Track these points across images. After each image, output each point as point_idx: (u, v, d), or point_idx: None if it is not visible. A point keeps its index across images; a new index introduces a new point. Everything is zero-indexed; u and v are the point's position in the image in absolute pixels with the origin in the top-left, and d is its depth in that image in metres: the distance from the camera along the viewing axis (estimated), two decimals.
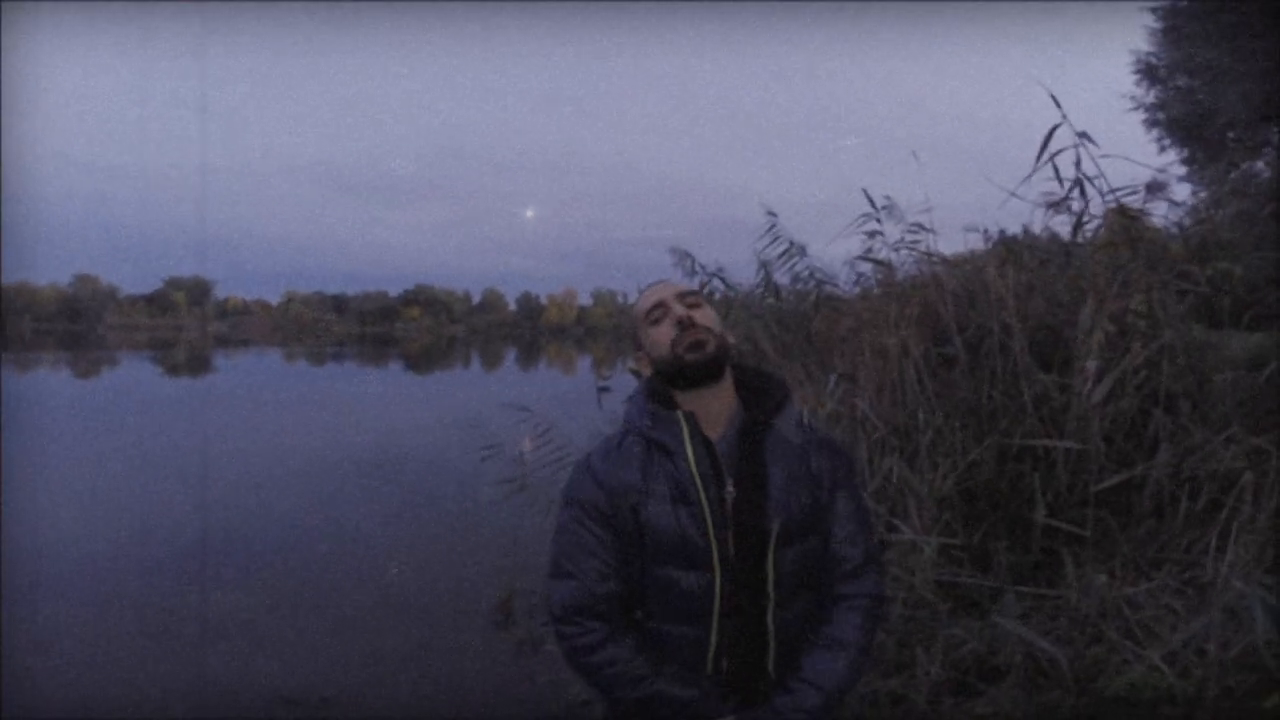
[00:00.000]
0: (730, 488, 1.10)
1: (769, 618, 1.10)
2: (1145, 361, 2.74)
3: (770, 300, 4.59)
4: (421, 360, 38.37)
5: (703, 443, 1.11)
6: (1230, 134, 8.03)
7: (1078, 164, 3.00)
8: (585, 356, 40.74)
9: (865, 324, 3.38)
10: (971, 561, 2.54)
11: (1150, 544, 2.38)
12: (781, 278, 4.39)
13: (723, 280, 3.83)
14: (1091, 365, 2.56)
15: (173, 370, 27.27)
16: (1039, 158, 2.93)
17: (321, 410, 14.79)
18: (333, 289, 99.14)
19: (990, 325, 3.09)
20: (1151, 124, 9.25)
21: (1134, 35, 9.06)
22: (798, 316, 4.40)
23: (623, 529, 1.10)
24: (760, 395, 1.17)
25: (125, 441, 9.80)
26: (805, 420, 1.20)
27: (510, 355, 44.53)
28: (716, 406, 1.14)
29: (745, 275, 4.46)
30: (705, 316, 1.14)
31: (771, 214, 3.88)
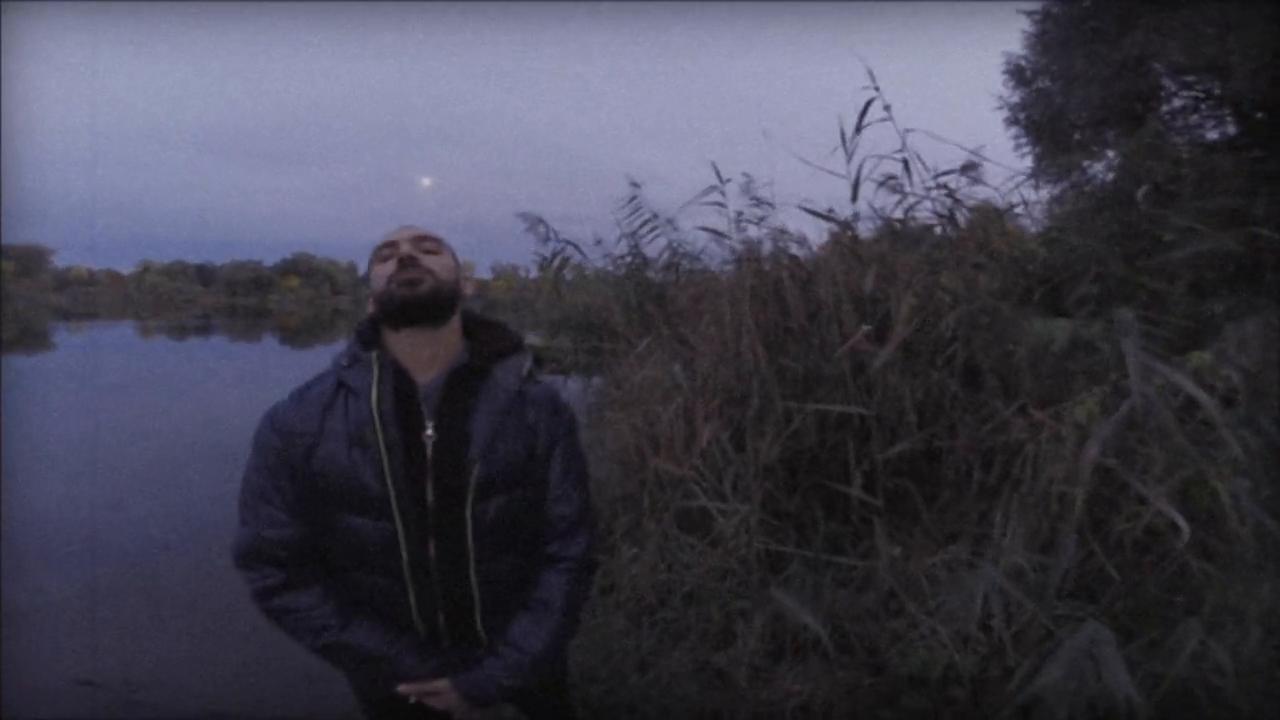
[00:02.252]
0: (430, 431, 1.06)
1: (470, 574, 1.07)
2: (954, 336, 2.88)
3: (635, 272, 4.55)
4: (300, 333, 35.83)
5: (399, 384, 1.07)
6: (1075, 136, 8.79)
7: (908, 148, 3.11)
8: None
9: (706, 294, 3.39)
10: (795, 531, 2.61)
11: (948, 515, 2.51)
12: (653, 252, 4.36)
13: (576, 248, 3.74)
14: (865, 329, 2.66)
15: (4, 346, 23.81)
16: (856, 131, 2.97)
17: (180, 389, 13.46)
18: (197, 259, 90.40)
19: (824, 298, 3.16)
20: (1011, 123, 9.93)
21: (1012, 39, 9.73)
22: (657, 288, 4.38)
23: (298, 474, 1.07)
24: (486, 344, 1.15)
25: None
26: (528, 372, 1.16)
27: None
28: (431, 351, 1.10)
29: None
30: (436, 262, 1.10)
31: (635, 184, 3.81)
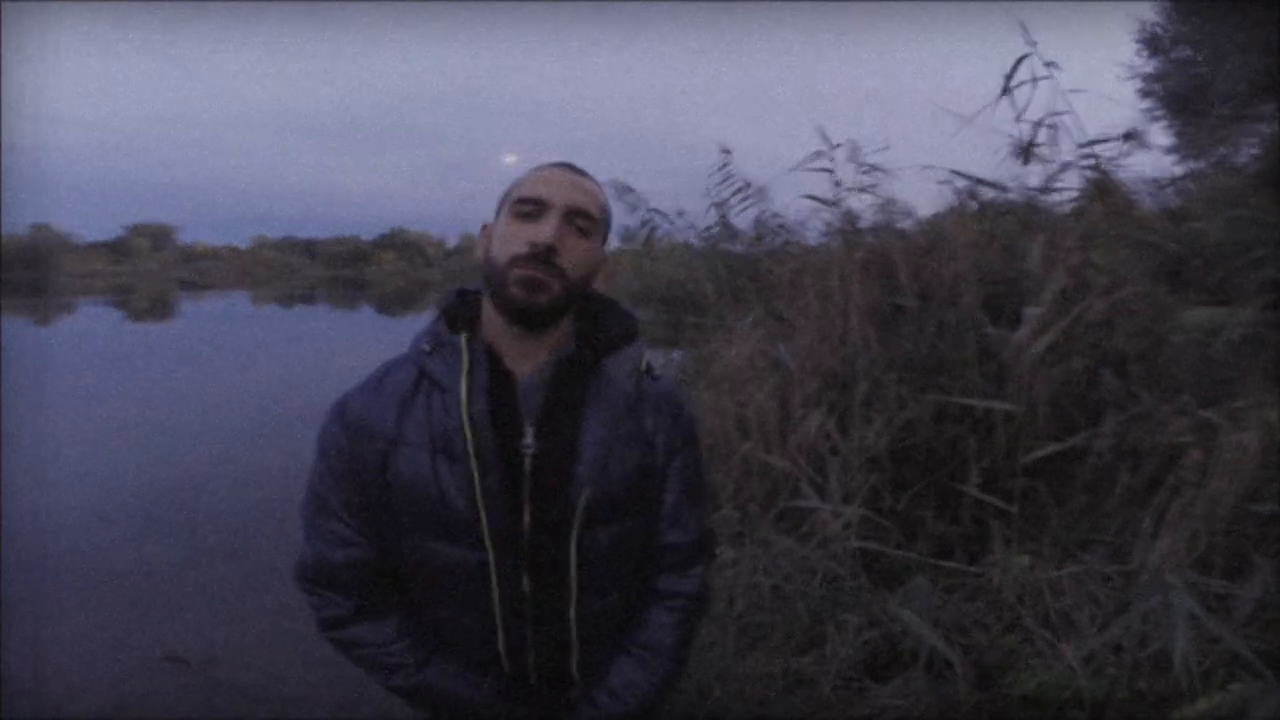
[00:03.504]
0: (529, 440, 0.85)
1: (570, 612, 0.88)
2: (1101, 320, 2.54)
3: (724, 244, 4.33)
4: (394, 303, 37.55)
5: (494, 378, 0.85)
6: (1224, 108, 7.92)
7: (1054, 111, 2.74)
8: None
9: (809, 268, 3.13)
10: (900, 530, 2.38)
11: (1082, 522, 2.21)
12: (742, 223, 4.12)
13: (665, 217, 3.55)
14: (1031, 313, 2.33)
15: (135, 315, 26.24)
16: (1004, 90, 2.64)
17: (288, 353, 14.34)
18: (304, 235, 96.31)
19: (944, 275, 2.86)
20: (1146, 94, 9.06)
21: (1140, 6, 8.85)
22: (749, 261, 4.15)
23: (370, 485, 0.87)
24: (597, 331, 0.91)
25: (87, 389, 9.40)
26: (646, 367, 0.94)
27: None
28: (535, 339, 0.87)
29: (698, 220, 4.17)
30: (577, 253, 0.84)
31: (726, 151, 3.56)
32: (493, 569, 0.84)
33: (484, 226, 0.91)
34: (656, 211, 3.54)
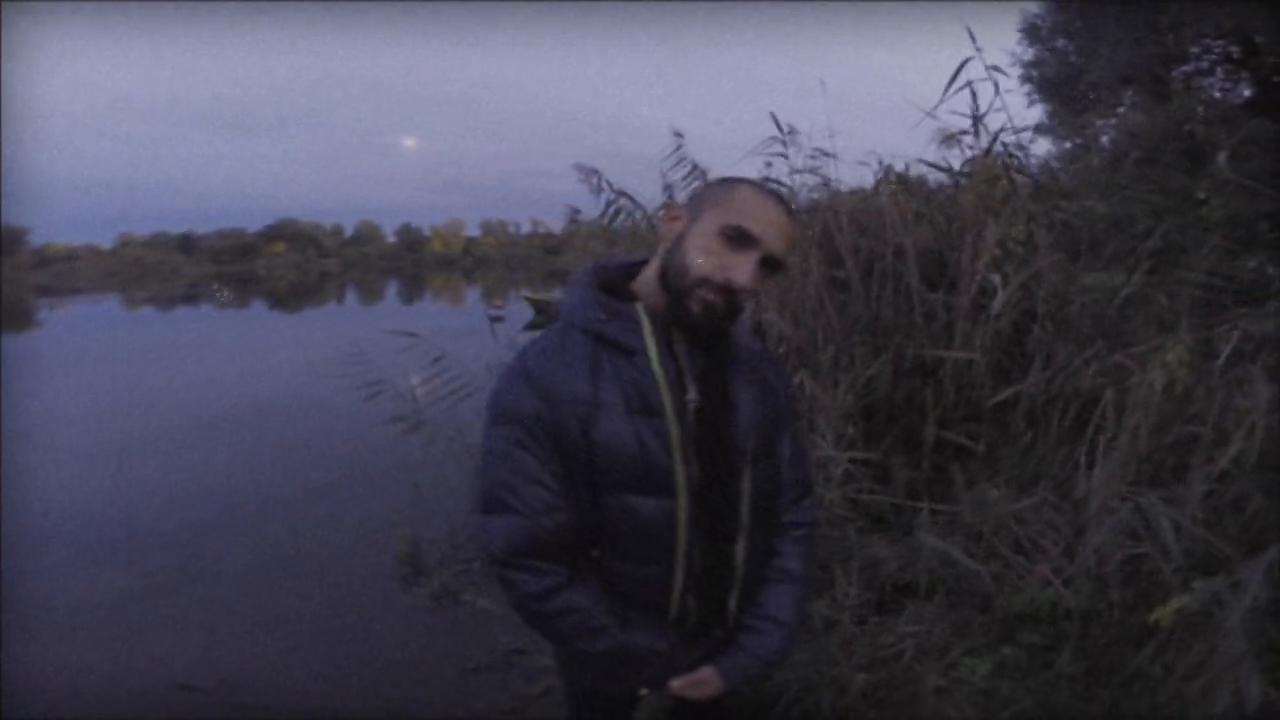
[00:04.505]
0: (692, 394, 0.93)
1: (737, 550, 0.98)
2: (1019, 285, 2.91)
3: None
4: (289, 298, 35.47)
5: (664, 342, 0.93)
6: (1092, 94, 8.78)
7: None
8: (475, 288, 39.26)
9: None
10: (872, 478, 2.67)
11: (1028, 460, 2.58)
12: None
13: (631, 199, 3.65)
14: (996, 279, 2.67)
15: None
16: (948, 88, 2.95)
17: (174, 360, 13.30)
18: (179, 229, 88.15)
19: (882, 250, 3.17)
20: (1025, 80, 9.91)
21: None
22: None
23: (570, 449, 0.90)
24: None
25: None
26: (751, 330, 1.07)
27: (391, 289, 42.03)
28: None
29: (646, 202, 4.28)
30: (755, 287, 0.92)
31: (678, 134, 3.70)
32: (682, 515, 0.91)
33: (672, 206, 0.98)
34: (622, 194, 3.64)
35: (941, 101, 2.91)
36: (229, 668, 2.74)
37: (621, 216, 3.68)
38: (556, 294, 21.00)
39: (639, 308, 0.94)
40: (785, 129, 3.34)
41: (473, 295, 33.95)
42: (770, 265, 0.92)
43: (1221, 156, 3.73)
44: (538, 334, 1.00)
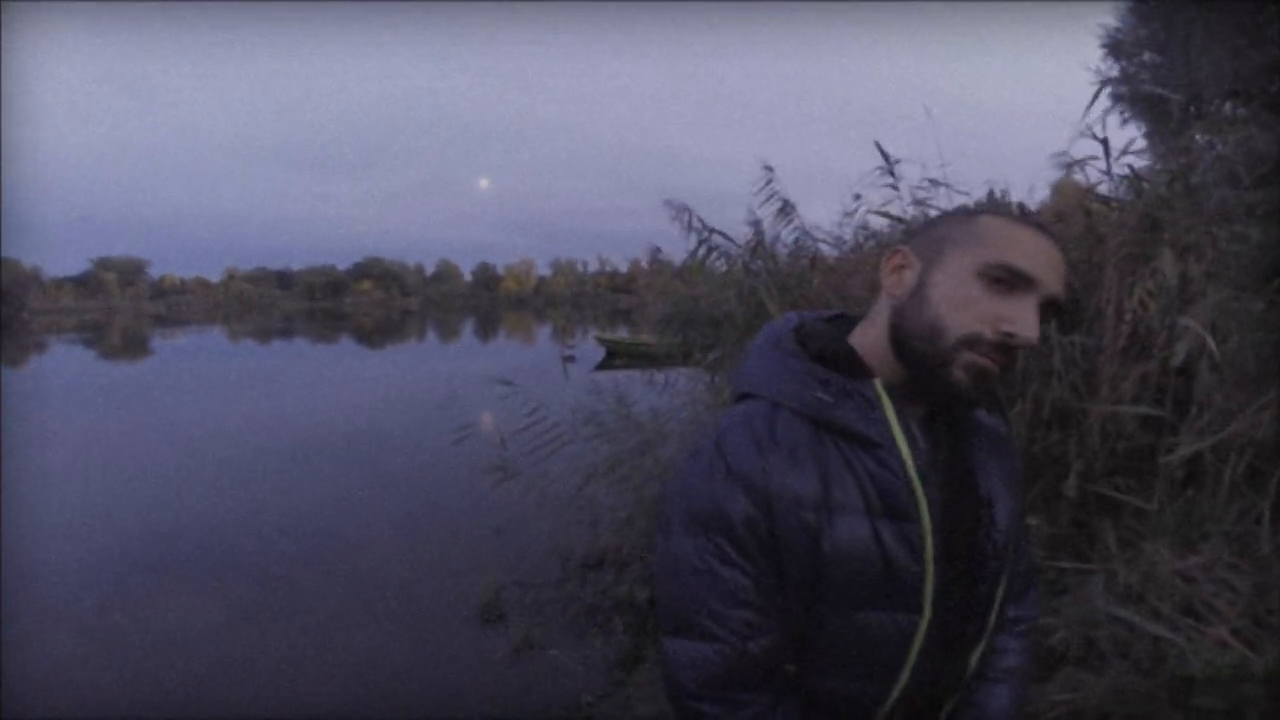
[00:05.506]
0: (934, 492, 0.75)
1: (970, 660, 0.82)
2: (1168, 325, 2.61)
3: (762, 260, 4.36)
4: (374, 334, 37.24)
5: (905, 427, 0.75)
6: (1192, 108, 8.25)
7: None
8: (545, 326, 40.16)
9: (878, 285, 3.18)
10: None
11: (1187, 515, 2.26)
12: (771, 239, 4.15)
13: (725, 237, 3.55)
14: (1188, 323, 2.38)
15: (107, 353, 25.60)
16: (1086, 112, 2.82)
17: (270, 390, 14.07)
18: (277, 265, 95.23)
19: None
20: (1115, 98, 9.39)
21: (1105, 12, 9.25)
22: (795, 276, 4.18)
23: (790, 561, 0.73)
24: None
25: (64, 430, 9.09)
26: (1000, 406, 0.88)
27: (467, 327, 43.51)
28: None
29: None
30: (1037, 336, 0.70)
31: (768, 168, 3.61)
32: (922, 631, 0.76)
33: (898, 251, 0.79)
34: (716, 232, 3.56)
35: (1081, 128, 2.70)
36: (308, 706, 2.70)
37: (714, 255, 3.58)
38: (623, 333, 21.20)
39: (878, 386, 0.76)
40: (888, 158, 3.18)
41: (543, 333, 34.70)
42: (1050, 311, 0.73)
43: None
44: (731, 411, 0.81)
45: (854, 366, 0.77)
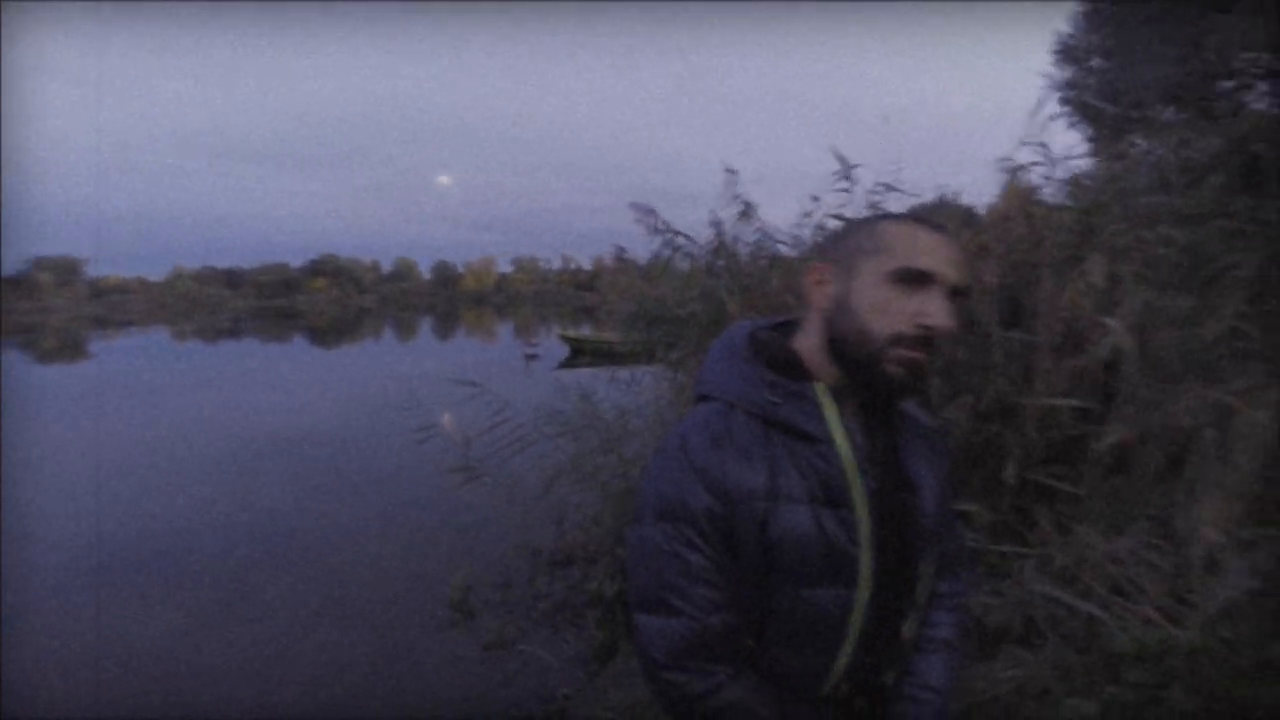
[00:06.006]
0: (870, 480, 0.87)
1: (904, 630, 0.93)
2: (1098, 323, 2.80)
3: (724, 260, 4.45)
4: (328, 333, 36.35)
5: (844, 426, 0.86)
6: (1134, 114, 8.60)
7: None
8: (506, 324, 39.81)
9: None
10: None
11: (1116, 500, 2.44)
12: (732, 240, 4.25)
13: (688, 239, 3.63)
14: (1112, 323, 2.55)
15: (43, 357, 24.38)
16: (1030, 121, 2.96)
17: (221, 392, 13.63)
18: (225, 263, 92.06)
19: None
20: (1063, 102, 9.68)
21: (1060, 19, 9.54)
22: (754, 277, 4.29)
23: (744, 545, 0.84)
24: None
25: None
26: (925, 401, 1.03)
27: (426, 325, 42.79)
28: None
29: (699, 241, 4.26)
30: (952, 330, 0.82)
31: (731, 171, 3.71)
32: (860, 603, 0.86)
33: (815, 267, 0.89)
34: (679, 234, 3.64)
35: (1027, 137, 2.88)
36: (277, 709, 2.69)
37: (677, 255, 3.66)
38: (587, 330, 21.23)
39: (819, 388, 0.87)
40: (845, 163, 3.31)
41: (505, 331, 34.41)
42: (958, 296, 0.84)
43: None
44: (693, 411, 0.92)
45: (798, 370, 0.88)
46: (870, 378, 0.83)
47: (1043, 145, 3.04)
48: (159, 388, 14.19)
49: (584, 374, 6.83)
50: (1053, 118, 3.00)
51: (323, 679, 2.92)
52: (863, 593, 0.86)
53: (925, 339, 0.81)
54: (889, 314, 0.81)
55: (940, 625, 1.01)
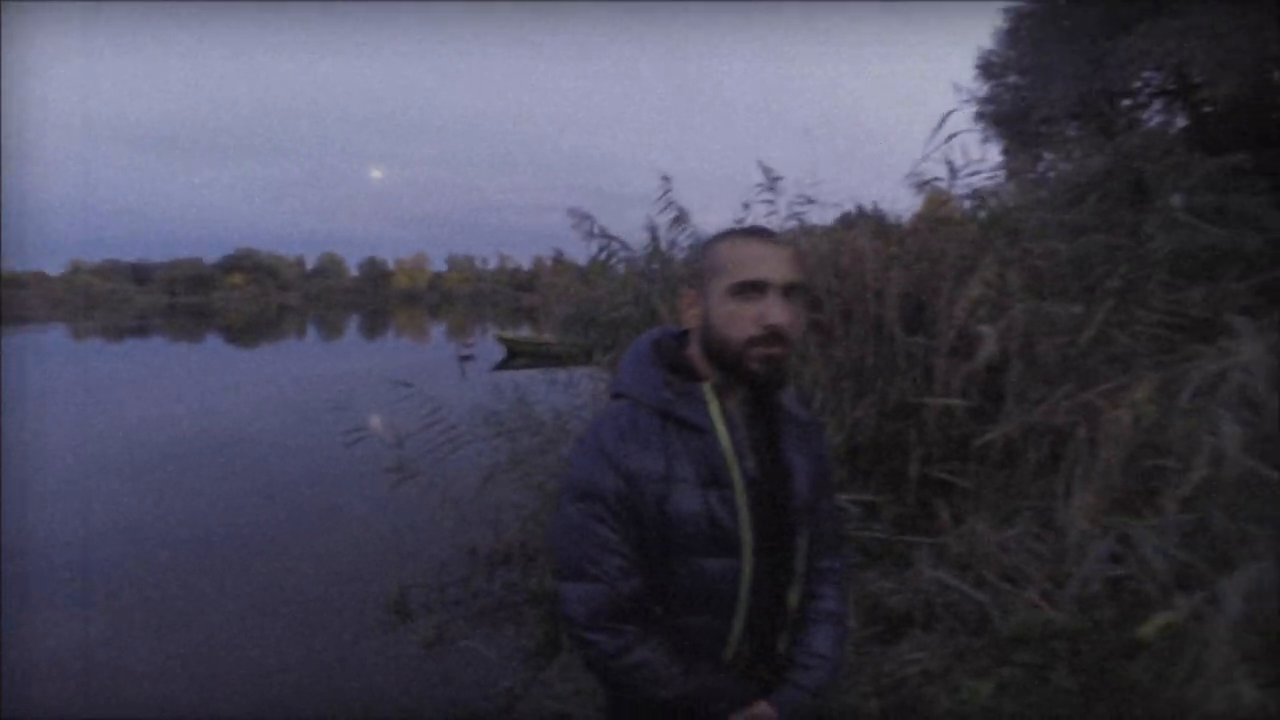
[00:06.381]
0: (752, 465, 1.03)
1: (789, 598, 1.08)
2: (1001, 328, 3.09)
3: (658, 264, 4.59)
4: (245, 332, 34.58)
5: (727, 418, 1.02)
6: (1043, 129, 9.12)
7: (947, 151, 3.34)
8: (440, 324, 38.93)
9: None
10: (862, 515, 2.76)
11: (1005, 493, 2.71)
12: (666, 245, 4.40)
13: (623, 245, 3.75)
14: (988, 330, 2.81)
15: None
16: (931, 138, 3.18)
17: (127, 394, 12.80)
18: (131, 257, 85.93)
19: (861, 294, 3.33)
20: (979, 116, 10.19)
21: (985, 35, 10.00)
22: (686, 281, 4.44)
23: (645, 520, 0.99)
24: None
25: None
26: (799, 398, 1.16)
27: (353, 324, 41.30)
28: (738, 385, 1.04)
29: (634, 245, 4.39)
30: (795, 320, 0.98)
31: (666, 179, 3.86)
32: (746, 572, 1.01)
33: (688, 292, 1.07)
34: (615, 239, 3.76)
35: (927, 155, 3.12)
36: (221, 712, 2.65)
37: (614, 259, 3.78)
38: (525, 332, 21.05)
39: (706, 388, 1.03)
40: (770, 175, 3.52)
41: (438, 331, 33.65)
42: (793, 292, 0.99)
43: (1175, 198, 4.01)
44: (607, 408, 1.08)
45: (690, 373, 1.04)
46: (741, 375, 1.00)
47: (948, 161, 3.30)
48: (58, 389, 13.20)
49: (521, 376, 6.83)
50: (963, 132, 3.25)
51: (260, 680, 2.87)
52: (746, 563, 1.01)
53: (774, 336, 0.96)
54: (737, 323, 0.97)
55: (826, 598, 1.15)
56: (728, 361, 1.00)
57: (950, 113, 3.09)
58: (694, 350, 1.07)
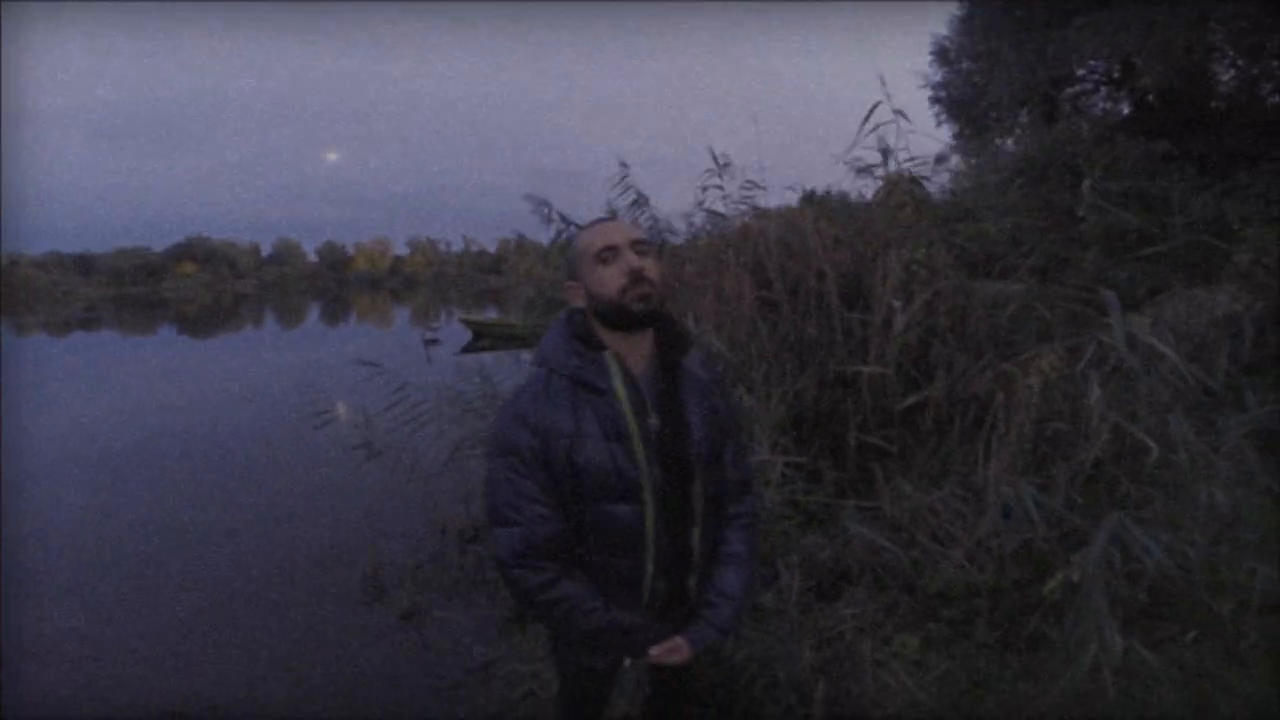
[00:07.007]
0: (654, 419, 1.19)
1: (693, 541, 1.23)
2: (923, 302, 3.32)
3: None
4: (199, 322, 33.59)
5: (629, 380, 1.18)
6: (992, 114, 9.46)
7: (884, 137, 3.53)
8: (403, 308, 38.34)
9: (707, 270, 3.69)
10: (805, 480, 2.98)
11: (936, 458, 2.94)
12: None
13: (580, 228, 3.87)
14: (896, 304, 3.04)
15: None
16: (861, 129, 3.35)
17: (78, 389, 12.45)
18: (75, 248, 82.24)
19: (806, 272, 3.53)
20: (934, 101, 10.57)
21: (942, 23, 10.26)
22: (570, 276, 4.57)
23: (558, 471, 1.15)
24: (669, 337, 1.26)
25: None
26: (704, 360, 1.32)
27: (313, 311, 40.37)
28: (641, 347, 1.22)
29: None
30: (652, 269, 1.17)
31: (624, 165, 4.00)
32: (649, 515, 1.18)
33: (570, 284, 1.24)
34: (573, 224, 3.88)
35: (856, 143, 3.30)
36: (201, 690, 2.74)
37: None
38: (491, 314, 20.91)
39: (609, 355, 1.19)
40: (721, 160, 3.68)
41: (401, 316, 33.17)
42: (640, 245, 1.18)
43: (1085, 184, 4.29)
44: (527, 374, 1.26)
45: (596, 343, 1.20)
46: (628, 321, 1.16)
47: (881, 149, 3.49)
48: (9, 387, 12.76)
49: (487, 358, 6.90)
50: (889, 121, 3.43)
51: (233, 663, 2.95)
52: (649, 507, 1.18)
53: (638, 278, 1.14)
54: (609, 280, 1.16)
55: (733, 542, 1.31)
56: (615, 316, 1.17)
57: (877, 104, 3.27)
58: (593, 322, 1.23)
